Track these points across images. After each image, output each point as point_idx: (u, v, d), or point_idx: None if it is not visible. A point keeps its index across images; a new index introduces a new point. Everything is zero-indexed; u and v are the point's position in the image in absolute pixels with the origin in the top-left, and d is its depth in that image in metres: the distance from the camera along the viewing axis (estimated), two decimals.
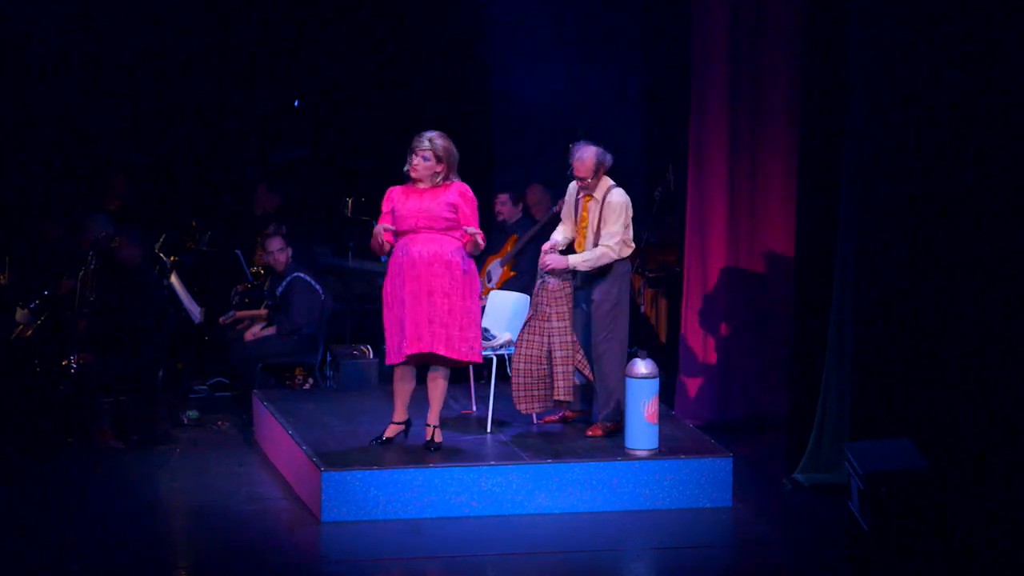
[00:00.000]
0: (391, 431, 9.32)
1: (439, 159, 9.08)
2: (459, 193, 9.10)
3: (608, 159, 9.45)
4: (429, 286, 9.01)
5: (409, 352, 9.02)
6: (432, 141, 9.08)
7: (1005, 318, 8.59)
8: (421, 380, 9.24)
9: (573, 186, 9.58)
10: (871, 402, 9.10)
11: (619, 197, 9.43)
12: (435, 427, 9.23)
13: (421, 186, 9.12)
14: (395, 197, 9.16)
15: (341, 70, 14.17)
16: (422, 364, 9.17)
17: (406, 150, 9.15)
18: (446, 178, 9.10)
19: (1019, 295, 8.58)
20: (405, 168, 9.12)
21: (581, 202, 9.53)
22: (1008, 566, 8.00)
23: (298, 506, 9.15)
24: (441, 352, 9.03)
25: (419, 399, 9.31)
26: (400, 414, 9.30)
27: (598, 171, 9.43)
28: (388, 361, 9.14)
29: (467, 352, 9.11)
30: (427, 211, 9.05)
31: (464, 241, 9.11)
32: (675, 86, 11.66)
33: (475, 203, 9.15)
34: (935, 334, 8.83)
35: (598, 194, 9.45)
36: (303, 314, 11.54)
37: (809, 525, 9.02)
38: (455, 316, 9.03)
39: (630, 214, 9.47)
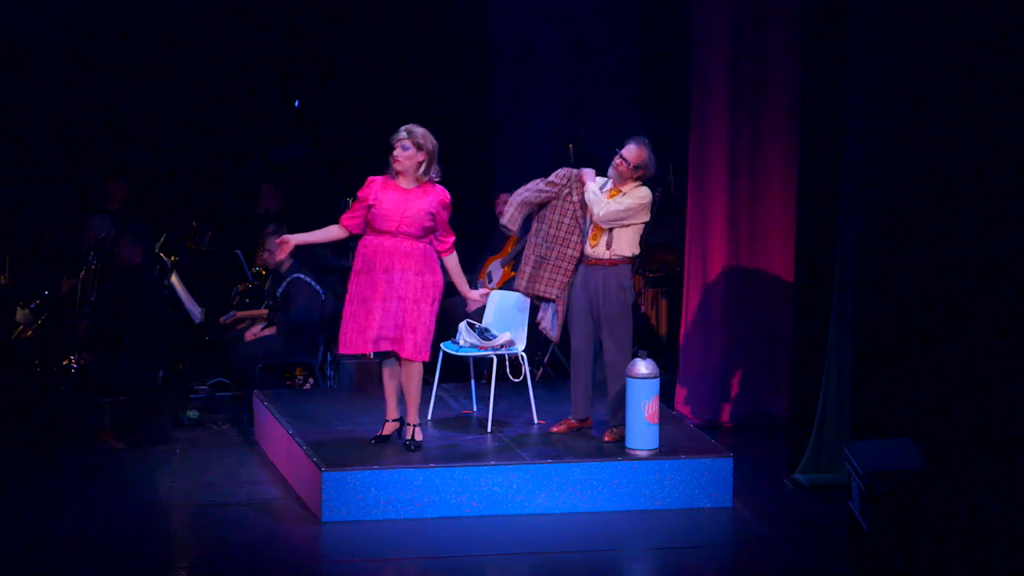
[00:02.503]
0: (386, 429, 9.35)
1: (419, 147, 9.06)
2: (439, 202, 9.09)
3: (653, 168, 9.43)
4: (400, 291, 9.05)
5: (376, 350, 9.11)
6: (410, 131, 9.08)
7: (1005, 318, 8.59)
8: None
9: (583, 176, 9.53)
10: (871, 402, 9.09)
11: (647, 189, 9.40)
12: (415, 426, 9.22)
13: (404, 183, 9.11)
14: (376, 191, 9.13)
15: (341, 70, 14.15)
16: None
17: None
18: (428, 171, 9.08)
19: (1019, 295, 8.57)
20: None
21: (606, 194, 9.45)
22: (1008, 566, 7.99)
23: (298, 506, 9.14)
24: (408, 357, 9.09)
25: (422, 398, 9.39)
26: (392, 411, 9.32)
27: (641, 169, 9.36)
28: (341, 350, 9.19)
29: (427, 353, 9.17)
30: (409, 218, 9.05)
31: (441, 248, 9.17)
32: (675, 86, 11.65)
33: (450, 211, 9.15)
34: (935, 334, 8.83)
35: (627, 189, 9.42)
36: (304, 314, 11.53)
37: (809, 525, 9.01)
38: (423, 320, 9.08)
39: (647, 211, 9.39)
